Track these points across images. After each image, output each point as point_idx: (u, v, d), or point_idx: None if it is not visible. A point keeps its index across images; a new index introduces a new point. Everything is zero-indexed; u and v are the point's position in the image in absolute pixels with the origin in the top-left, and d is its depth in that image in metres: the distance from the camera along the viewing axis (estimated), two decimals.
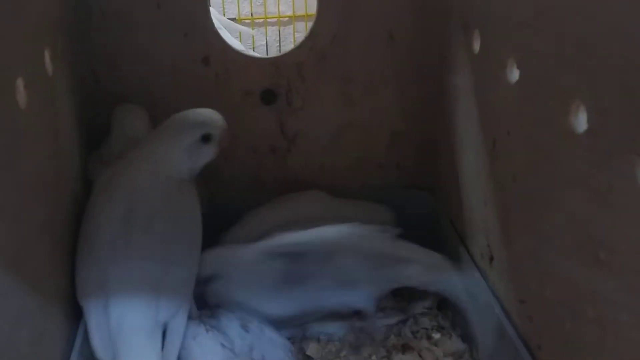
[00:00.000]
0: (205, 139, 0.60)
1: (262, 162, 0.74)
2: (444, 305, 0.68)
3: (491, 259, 0.58)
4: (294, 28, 1.43)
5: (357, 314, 0.62)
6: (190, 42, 0.67)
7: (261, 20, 1.42)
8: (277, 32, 1.43)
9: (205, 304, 0.61)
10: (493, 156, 0.55)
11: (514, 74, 0.50)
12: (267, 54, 1.39)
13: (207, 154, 0.61)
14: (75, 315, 0.56)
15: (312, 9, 1.33)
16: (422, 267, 0.62)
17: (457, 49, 0.62)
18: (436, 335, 0.63)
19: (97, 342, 0.52)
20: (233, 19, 1.35)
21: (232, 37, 1.19)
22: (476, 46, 0.58)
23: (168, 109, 0.68)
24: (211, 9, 0.70)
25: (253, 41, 1.40)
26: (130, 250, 0.55)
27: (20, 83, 0.47)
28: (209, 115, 0.61)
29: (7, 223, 0.43)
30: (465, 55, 0.60)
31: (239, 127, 0.71)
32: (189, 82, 0.68)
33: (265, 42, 1.43)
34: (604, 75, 0.38)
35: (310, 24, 0.69)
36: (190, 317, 0.57)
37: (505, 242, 0.54)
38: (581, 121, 0.41)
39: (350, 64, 0.69)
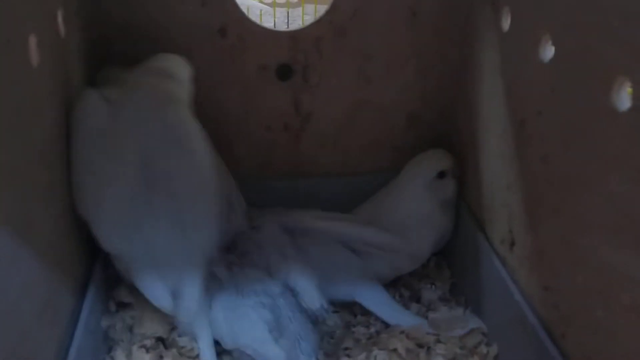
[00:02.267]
0: None
1: (274, 139, 0.72)
2: (456, 290, 0.67)
3: (512, 244, 0.56)
4: (302, 10, 1.41)
5: None
6: (208, 12, 0.64)
7: (270, 1, 1.39)
8: (286, 14, 1.41)
9: None
10: (521, 138, 0.53)
11: (548, 52, 0.48)
12: None
13: None
14: (82, 287, 0.54)
15: None
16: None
17: (484, 27, 0.60)
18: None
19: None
20: None
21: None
22: (505, 24, 0.55)
23: None
24: None
25: (260, 17, 1.37)
26: (153, 216, 0.53)
27: (32, 40, 0.45)
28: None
29: (15, 187, 0.41)
30: (492, 33, 0.58)
31: (252, 102, 0.70)
32: (204, 53, 0.66)
33: (273, 24, 1.40)
34: None
35: (319, 7, 0.67)
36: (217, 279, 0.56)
37: (530, 227, 0.52)
38: (624, 98, 0.39)
39: (370, 41, 0.67)
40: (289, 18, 1.42)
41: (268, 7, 1.39)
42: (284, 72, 0.68)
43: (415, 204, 0.67)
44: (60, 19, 0.52)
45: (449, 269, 0.70)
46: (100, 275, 0.56)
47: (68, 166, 0.52)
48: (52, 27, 0.51)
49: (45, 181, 0.47)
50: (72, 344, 0.48)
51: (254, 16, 1.28)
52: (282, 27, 1.41)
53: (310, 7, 1.41)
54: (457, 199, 0.69)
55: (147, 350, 0.55)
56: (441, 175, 0.67)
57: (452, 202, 0.68)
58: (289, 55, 0.67)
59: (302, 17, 1.41)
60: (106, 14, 0.63)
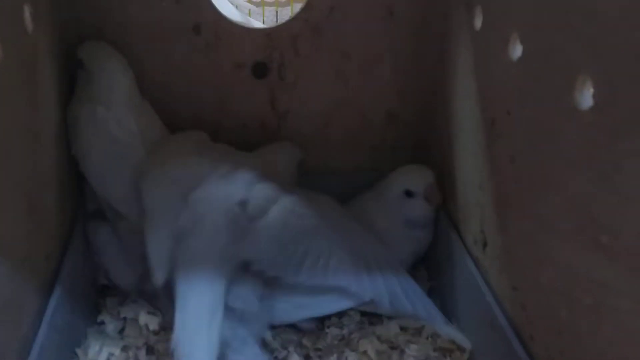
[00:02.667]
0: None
1: (250, 138, 0.71)
2: (432, 291, 0.66)
3: (484, 245, 0.55)
4: (292, 9, 1.40)
5: None
6: (182, 9, 0.64)
7: (258, 0, 1.39)
8: (275, 13, 1.40)
9: None
10: (491, 137, 0.53)
11: (517, 50, 0.48)
12: None
13: None
14: (49, 286, 0.53)
15: None
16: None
17: (458, 26, 0.60)
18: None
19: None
20: None
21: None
22: (478, 23, 0.55)
23: (156, 78, 0.65)
24: None
25: (249, 17, 1.37)
26: None
27: None
28: None
29: None
30: (466, 32, 0.58)
31: (228, 100, 0.69)
32: (178, 51, 0.65)
33: (262, 23, 1.40)
34: (614, 46, 0.35)
35: None
36: None
37: (500, 227, 0.52)
38: (586, 97, 0.38)
39: (347, 39, 0.67)
40: (278, 17, 1.41)
41: (256, 7, 1.39)
42: (260, 70, 0.68)
43: (380, 218, 0.66)
44: (27, 14, 0.52)
45: (426, 270, 0.70)
46: (67, 273, 0.56)
47: (36, 161, 0.52)
48: (18, 23, 0.50)
49: (9, 179, 0.46)
50: (35, 343, 0.48)
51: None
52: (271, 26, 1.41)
53: (299, 7, 1.41)
54: (433, 220, 0.67)
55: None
56: (408, 194, 0.65)
57: (422, 222, 0.66)
58: (265, 53, 0.67)
59: (291, 17, 1.40)
60: (80, 13, 0.63)
